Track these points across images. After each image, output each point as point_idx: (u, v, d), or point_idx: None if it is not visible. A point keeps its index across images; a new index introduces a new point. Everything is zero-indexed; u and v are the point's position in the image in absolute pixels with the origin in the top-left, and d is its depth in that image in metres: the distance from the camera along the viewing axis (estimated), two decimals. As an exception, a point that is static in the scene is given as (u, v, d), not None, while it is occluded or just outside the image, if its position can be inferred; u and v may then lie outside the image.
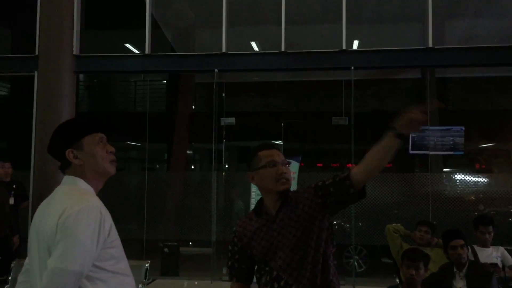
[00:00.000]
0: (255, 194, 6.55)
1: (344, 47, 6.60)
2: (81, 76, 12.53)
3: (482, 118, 10.96)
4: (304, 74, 9.83)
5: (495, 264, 4.16)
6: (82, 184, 1.79)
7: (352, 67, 6.62)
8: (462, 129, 6.72)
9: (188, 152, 11.17)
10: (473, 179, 7.49)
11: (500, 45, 6.55)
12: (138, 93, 12.53)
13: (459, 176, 7.53)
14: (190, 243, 8.73)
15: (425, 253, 3.39)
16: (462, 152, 6.79)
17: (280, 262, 2.06)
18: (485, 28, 7.56)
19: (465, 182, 7.37)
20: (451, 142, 6.78)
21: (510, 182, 7.14)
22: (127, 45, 8.65)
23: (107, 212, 1.75)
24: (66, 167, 1.82)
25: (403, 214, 7.24)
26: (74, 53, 6.99)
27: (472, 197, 7.55)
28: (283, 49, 6.71)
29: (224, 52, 6.84)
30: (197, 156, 13.05)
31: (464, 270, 3.63)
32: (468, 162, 11.20)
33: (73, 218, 1.62)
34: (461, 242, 3.67)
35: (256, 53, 7.06)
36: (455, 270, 3.66)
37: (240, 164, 11.60)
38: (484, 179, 7.52)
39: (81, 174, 1.81)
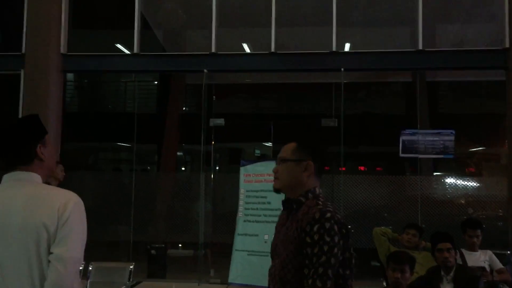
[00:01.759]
0: (243, 196, 6.47)
1: (334, 49, 6.58)
2: (70, 75, 12.44)
3: (472, 121, 10.98)
4: (294, 76, 9.79)
5: (483, 268, 4.13)
6: (39, 179, 1.85)
7: (342, 69, 6.60)
8: (452, 133, 6.69)
9: (177, 153, 11.08)
10: (463, 182, 7.47)
11: (489, 48, 6.58)
12: (128, 94, 12.46)
13: (448, 180, 7.51)
14: (180, 245, 8.66)
15: (411, 256, 3.36)
16: (452, 156, 6.78)
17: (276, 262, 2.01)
18: (474, 32, 7.59)
19: (454, 186, 7.35)
20: (441, 146, 6.76)
21: (499, 186, 7.16)
22: (117, 45, 8.58)
23: None
24: (25, 163, 1.83)
25: (392, 217, 7.21)
26: (62, 51, 6.91)
27: (462, 201, 7.54)
28: (273, 50, 6.67)
29: (213, 52, 6.79)
30: (186, 157, 12.97)
31: (452, 274, 3.60)
32: (458, 165, 11.20)
33: (76, 211, 1.75)
34: (448, 245, 3.64)
35: (246, 54, 7.03)
36: (442, 273, 3.62)
37: (230, 166, 11.53)
38: (473, 183, 7.50)
39: (37, 170, 1.85)
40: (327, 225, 1.79)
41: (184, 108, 11.25)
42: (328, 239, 1.76)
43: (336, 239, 1.79)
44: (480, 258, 4.30)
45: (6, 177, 1.86)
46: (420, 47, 6.54)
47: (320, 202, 1.92)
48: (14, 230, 1.74)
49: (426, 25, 6.63)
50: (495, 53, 6.48)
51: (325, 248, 1.76)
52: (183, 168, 12.62)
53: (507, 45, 6.30)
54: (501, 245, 5.91)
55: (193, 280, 6.69)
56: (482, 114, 11.87)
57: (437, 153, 6.82)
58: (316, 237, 1.79)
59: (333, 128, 6.78)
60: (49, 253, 1.72)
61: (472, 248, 4.36)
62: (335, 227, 1.80)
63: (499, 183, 6.99)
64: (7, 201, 1.78)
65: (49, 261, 1.71)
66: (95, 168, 11.73)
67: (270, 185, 6.25)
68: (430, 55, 6.61)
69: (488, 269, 4.23)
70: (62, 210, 1.73)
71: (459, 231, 4.50)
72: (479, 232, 4.38)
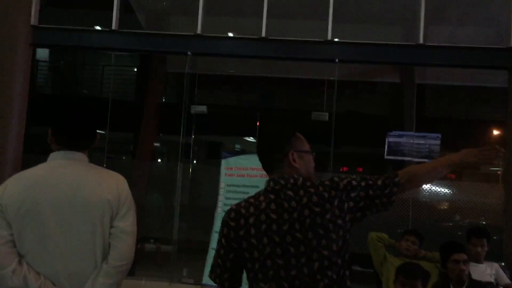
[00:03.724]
0: (223, 190, 5.99)
1: (329, 38, 6.12)
2: (44, 54, 11.80)
3: (457, 126, 10.82)
4: (281, 70, 9.40)
5: (491, 283, 3.72)
6: (87, 159, 2.10)
7: (337, 60, 6.15)
8: (438, 136, 6.44)
9: (155, 143, 10.61)
10: (447, 188, 7.27)
11: (492, 47, 6.24)
12: (106, 79, 11.93)
13: (432, 185, 7.27)
14: (152, 240, 8.23)
15: (425, 270, 2.91)
16: None
17: None
18: (476, 30, 7.32)
19: (437, 191, 7.15)
20: (426, 149, 6.52)
21: (494, 193, 6.90)
22: (94, 22, 8.00)
23: None
24: (86, 147, 2.09)
25: (380, 221, 6.86)
26: (32, 23, 6.30)
27: (446, 207, 7.30)
28: (263, 35, 6.17)
29: (199, 34, 6.26)
30: (164, 148, 12.48)
31: (462, 290, 3.16)
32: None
33: (130, 190, 2.05)
34: (464, 256, 3.21)
35: (234, 38, 6.49)
36: (451, 288, 3.19)
37: (209, 159, 11.07)
38: (457, 189, 7.32)
39: (85, 152, 2.10)
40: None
41: (164, 97, 10.76)
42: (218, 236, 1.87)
43: (219, 237, 1.86)
44: (486, 271, 3.89)
45: (57, 155, 2.05)
46: (421, 41, 6.13)
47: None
48: (79, 204, 1.94)
49: (428, 20, 6.27)
50: (498, 51, 6.12)
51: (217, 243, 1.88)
52: (159, 160, 12.14)
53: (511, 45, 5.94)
54: (495, 257, 5.57)
55: (164, 279, 6.27)
56: (467, 120, 11.74)
57: (422, 157, 6.59)
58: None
59: (323, 125, 6.41)
60: (111, 227, 1.96)
61: (477, 259, 3.93)
62: (221, 226, 1.86)
63: (494, 190, 6.70)
64: (70, 177, 1.98)
65: (110, 234, 1.96)
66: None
67: (253, 180, 5.78)
68: (430, 50, 6.23)
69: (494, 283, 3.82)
70: (122, 189, 2.01)
71: (443, 237, 4.21)
72: (485, 241, 3.97)
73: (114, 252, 1.95)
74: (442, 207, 7.42)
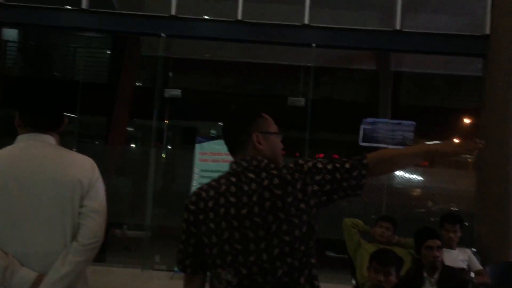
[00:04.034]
0: (198, 176, 5.90)
1: (306, 22, 6.02)
2: (12, 35, 11.38)
3: (432, 114, 10.93)
4: (259, 56, 9.28)
5: (464, 269, 3.73)
6: (55, 142, 2.09)
7: (314, 44, 6.06)
8: (413, 124, 6.47)
9: (128, 128, 10.40)
10: (420, 175, 7.32)
11: (468, 34, 6.25)
12: (78, 61, 11.61)
13: (405, 172, 7.33)
14: (125, 226, 8.08)
15: (399, 256, 2.87)
16: None
17: None
18: (446, 20, 7.32)
19: (411, 178, 7.21)
20: (401, 137, 6.55)
21: (455, 179, 6.98)
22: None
23: None
24: (54, 130, 2.08)
25: (354, 207, 6.88)
26: (-2, 0, 6.02)
27: (419, 193, 7.36)
28: (239, 17, 6.04)
29: (173, 15, 6.08)
30: (137, 133, 12.26)
31: (436, 276, 3.14)
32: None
33: (97, 170, 2.07)
34: (438, 242, 3.19)
35: (209, 20, 6.32)
36: (425, 275, 3.17)
37: (183, 144, 10.93)
38: (429, 175, 7.39)
39: (54, 135, 2.09)
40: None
41: (138, 81, 10.52)
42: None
43: (182, 224, 1.78)
44: (458, 257, 3.90)
45: (24, 137, 2.05)
46: (398, 27, 6.10)
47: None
48: (48, 184, 1.95)
49: (405, 7, 6.23)
50: (474, 39, 6.13)
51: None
52: (132, 145, 11.92)
53: (488, 32, 5.94)
54: (465, 242, 5.65)
55: (136, 266, 6.14)
56: (442, 108, 11.86)
57: (396, 144, 6.61)
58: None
59: (299, 110, 6.35)
60: (80, 206, 1.98)
61: (450, 245, 3.95)
62: (184, 212, 1.77)
63: (465, 177, 6.77)
64: (39, 158, 1.99)
65: (80, 214, 1.98)
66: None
67: (227, 165, 5.73)
68: (406, 36, 6.20)
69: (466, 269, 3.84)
70: (92, 170, 2.03)
71: (423, 223, 4.18)
72: (457, 227, 3.99)
73: (84, 230, 1.97)
74: (415, 194, 7.48)
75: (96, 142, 11.97)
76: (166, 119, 7.66)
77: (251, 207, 1.67)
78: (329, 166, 1.71)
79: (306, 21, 6.04)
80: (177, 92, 6.33)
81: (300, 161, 1.73)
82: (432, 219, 6.57)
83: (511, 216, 5.45)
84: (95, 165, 2.07)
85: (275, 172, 1.70)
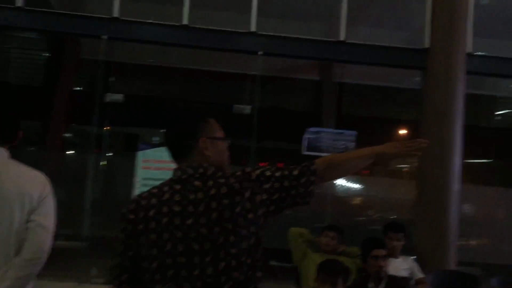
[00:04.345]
0: (139, 184, 5.70)
1: (253, 29, 5.99)
2: None
3: (372, 125, 11.24)
4: (204, 63, 9.18)
5: (406, 278, 3.78)
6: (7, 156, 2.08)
7: (261, 52, 6.05)
8: (354, 134, 6.61)
9: (66, 134, 9.99)
10: (362, 184, 7.47)
11: (409, 47, 6.46)
12: (12, 62, 11.05)
13: (347, 181, 7.47)
14: (60, 237, 7.67)
15: (346, 266, 2.85)
16: None
17: None
18: (387, 34, 7.55)
19: (353, 187, 7.32)
20: (343, 146, 6.69)
21: (396, 188, 7.17)
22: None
23: None
24: (6, 143, 2.05)
25: (298, 214, 6.91)
26: None
27: (361, 202, 7.52)
28: (185, 22, 5.92)
29: (115, 17, 5.87)
30: (76, 139, 11.80)
31: (382, 286, 3.15)
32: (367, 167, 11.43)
33: (49, 186, 2.09)
34: (384, 252, 3.21)
35: (154, 24, 6.13)
36: (371, 285, 3.17)
37: (124, 151, 10.61)
38: (371, 185, 7.55)
39: (6, 148, 2.07)
40: None
41: (77, 85, 10.14)
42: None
43: (118, 232, 1.65)
44: (401, 266, 3.95)
45: None
46: (342, 38, 6.20)
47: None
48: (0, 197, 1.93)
49: (349, 19, 6.37)
50: (414, 52, 6.34)
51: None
52: (68, 152, 11.45)
53: (427, 45, 6.15)
54: (405, 251, 5.79)
55: (72, 279, 5.86)
56: (382, 118, 12.23)
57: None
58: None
59: (246, 118, 6.31)
60: (28, 221, 1.96)
61: (393, 254, 3.99)
62: (121, 222, 1.65)
63: (405, 186, 6.96)
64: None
65: (26, 228, 1.95)
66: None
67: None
68: (350, 47, 6.32)
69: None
70: (43, 186, 2.04)
71: (365, 232, 4.23)
72: (401, 236, 4.04)
73: (28, 245, 1.96)
74: (356, 202, 7.62)
75: (32, 148, 11.43)
76: (107, 125, 7.41)
77: (197, 217, 1.56)
78: (277, 174, 1.65)
79: (253, 29, 6.01)
80: (118, 97, 6.10)
81: (248, 169, 1.66)
82: (373, 227, 6.70)
83: (449, 224, 5.62)
84: (47, 181, 2.08)
85: (222, 180, 1.61)
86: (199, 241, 1.55)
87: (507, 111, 12.07)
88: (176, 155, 1.71)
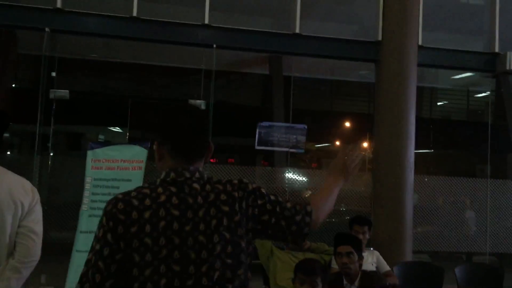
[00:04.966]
0: (90, 185, 5.39)
1: (206, 21, 5.81)
2: None
3: (323, 118, 11.36)
4: (150, 58, 8.89)
5: (375, 272, 3.75)
6: None
7: (214, 45, 5.88)
8: (304, 127, 6.64)
9: (4, 134, 9.38)
10: (318, 177, 7.46)
11: (357, 39, 6.50)
12: None
13: (302, 175, 7.47)
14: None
15: (323, 266, 2.76)
16: (303, 151, 6.71)
17: None
18: (339, 27, 7.59)
19: (309, 181, 7.34)
20: (294, 140, 6.70)
21: (353, 180, 7.20)
22: None
23: None
24: None
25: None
26: None
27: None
28: (135, 14, 5.65)
29: (59, 8, 5.51)
30: (16, 139, 11.16)
31: (356, 283, 3.07)
32: (309, 160, 11.54)
33: (37, 193, 2.19)
34: (348, 248, 3.09)
35: (100, 15, 5.81)
36: (345, 282, 3.09)
37: (70, 151, 10.13)
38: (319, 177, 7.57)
39: None
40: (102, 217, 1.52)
41: (16, 83, 9.56)
42: (96, 231, 1.51)
43: (101, 232, 1.47)
44: (368, 260, 3.92)
45: None
46: (297, 30, 6.14)
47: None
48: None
49: (302, 13, 6.33)
50: (366, 44, 6.38)
51: (93, 242, 1.49)
52: (8, 153, 10.81)
53: (380, 38, 6.20)
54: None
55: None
56: (331, 112, 12.38)
57: (290, 147, 6.78)
58: None
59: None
60: (18, 226, 2.06)
61: (359, 248, 3.96)
62: (104, 219, 1.48)
63: (361, 178, 7.02)
64: None
65: (17, 234, 2.06)
66: None
67: (124, 173, 5.27)
68: (303, 40, 6.29)
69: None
70: (32, 193, 2.13)
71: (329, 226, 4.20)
72: (366, 228, 4.02)
73: (22, 249, 2.06)
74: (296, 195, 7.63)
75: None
76: (50, 123, 7.01)
77: (196, 223, 1.44)
78: (272, 197, 1.58)
79: (206, 21, 5.83)
80: (64, 94, 5.75)
81: (245, 180, 1.57)
82: (333, 219, 6.72)
83: (406, 216, 5.70)
84: (34, 188, 2.16)
85: (220, 187, 1.51)
86: (196, 250, 1.43)
87: (446, 102, 12.53)
88: (190, 156, 1.55)
